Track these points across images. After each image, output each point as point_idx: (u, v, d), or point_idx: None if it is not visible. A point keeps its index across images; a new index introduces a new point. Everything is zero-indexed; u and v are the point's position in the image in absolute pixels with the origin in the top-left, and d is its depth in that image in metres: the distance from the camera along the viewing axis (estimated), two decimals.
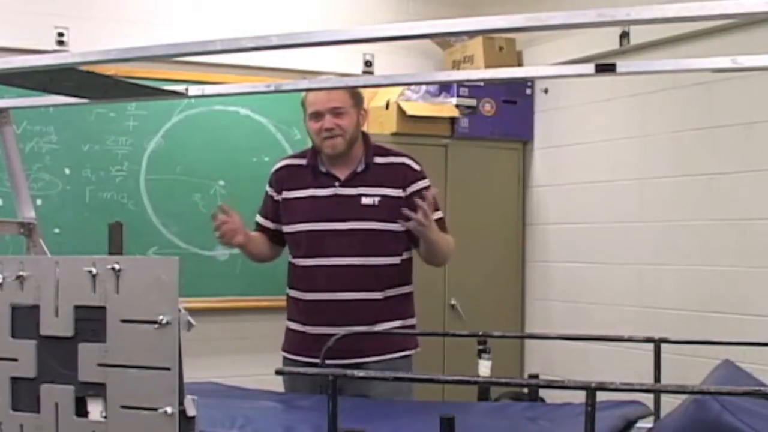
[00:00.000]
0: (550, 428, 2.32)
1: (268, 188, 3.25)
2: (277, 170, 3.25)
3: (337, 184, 3.11)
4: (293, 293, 3.16)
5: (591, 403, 1.58)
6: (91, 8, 4.40)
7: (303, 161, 3.20)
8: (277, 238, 3.24)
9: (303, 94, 3.21)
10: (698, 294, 3.95)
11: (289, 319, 3.19)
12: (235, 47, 1.78)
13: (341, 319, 2.99)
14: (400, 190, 3.11)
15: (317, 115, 3.10)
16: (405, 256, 3.17)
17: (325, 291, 3.07)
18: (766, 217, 3.69)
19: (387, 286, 3.11)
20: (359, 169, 3.13)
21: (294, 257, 3.17)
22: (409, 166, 3.17)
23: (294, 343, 3.15)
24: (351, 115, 3.12)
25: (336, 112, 3.09)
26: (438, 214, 3.13)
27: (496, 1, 4.62)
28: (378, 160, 3.15)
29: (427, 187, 3.12)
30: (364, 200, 3.09)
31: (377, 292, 3.08)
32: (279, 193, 3.19)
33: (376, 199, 3.10)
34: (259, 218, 3.28)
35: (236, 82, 3.94)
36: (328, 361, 2.74)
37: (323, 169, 3.14)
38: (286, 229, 3.17)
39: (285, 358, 3.16)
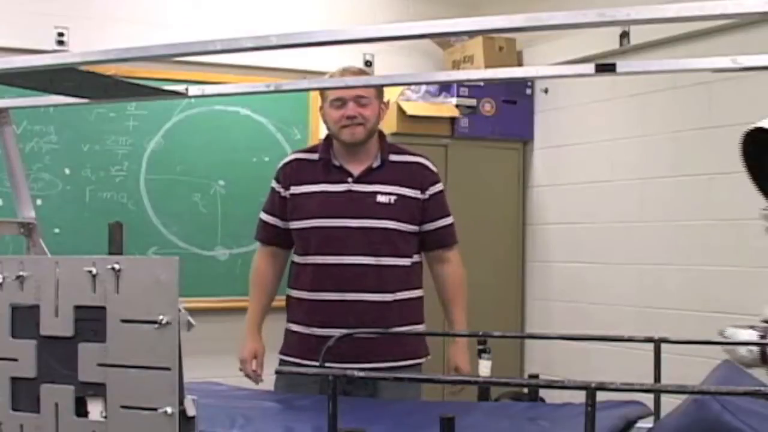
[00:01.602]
0: (551, 428, 2.32)
1: (274, 184, 3.12)
2: (286, 164, 3.12)
3: (350, 179, 3.02)
4: (297, 293, 3.06)
5: (591, 403, 1.58)
6: (91, 8, 4.40)
7: (313, 155, 3.09)
8: (282, 239, 3.12)
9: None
10: (698, 294, 3.95)
11: (291, 321, 3.09)
12: (235, 47, 1.78)
13: (349, 321, 2.89)
14: (419, 191, 3.04)
15: (340, 103, 2.99)
16: (415, 258, 3.09)
17: (334, 291, 2.97)
18: None
19: (397, 288, 3.02)
20: (374, 165, 3.03)
21: (302, 255, 3.06)
22: (426, 167, 3.10)
23: (296, 345, 3.04)
24: (374, 105, 3.02)
25: (360, 102, 2.99)
26: (449, 220, 3.12)
27: (496, 0, 4.61)
28: (393, 158, 3.07)
29: (441, 191, 3.11)
30: (380, 198, 3.00)
31: (387, 294, 2.99)
32: (287, 188, 3.07)
33: (392, 198, 3.01)
34: (265, 216, 3.14)
35: (236, 82, 3.95)
36: (333, 365, 2.67)
37: (336, 163, 3.03)
38: (295, 225, 3.05)
39: (283, 362, 3.05)
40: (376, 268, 2.98)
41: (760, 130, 2.76)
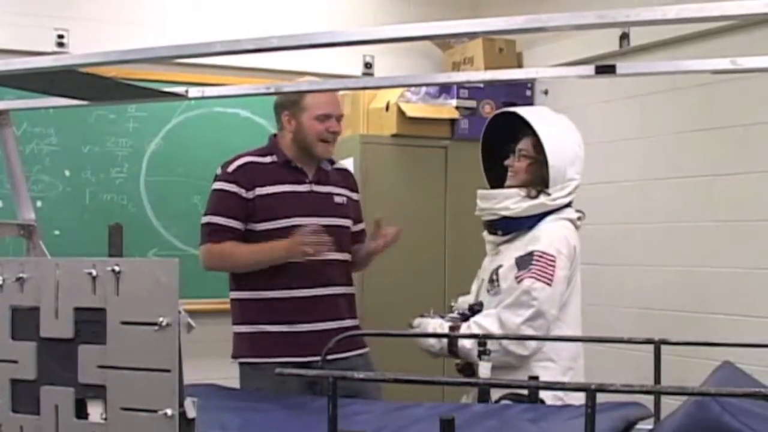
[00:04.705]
0: (550, 430, 2.32)
1: (228, 186, 3.11)
2: (240, 167, 3.13)
3: (307, 180, 3.18)
4: (274, 293, 3.08)
5: (591, 405, 1.58)
6: (91, 10, 4.40)
7: (264, 158, 3.17)
8: (236, 242, 3.12)
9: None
10: (698, 295, 3.95)
11: (265, 323, 3.09)
12: (235, 49, 1.79)
13: (331, 314, 3.11)
14: (355, 194, 3.33)
15: (326, 117, 3.14)
16: None
17: (320, 286, 3.10)
18: (766, 218, 3.69)
19: (351, 281, 3.27)
20: (326, 168, 3.24)
21: None
22: (352, 173, 3.41)
23: (277, 345, 3.06)
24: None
25: (340, 119, 3.21)
26: (361, 226, 3.37)
27: (496, 2, 4.61)
28: (327, 164, 3.27)
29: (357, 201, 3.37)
30: (336, 198, 3.22)
31: (351, 287, 3.24)
32: (250, 190, 3.09)
33: (344, 199, 3.25)
34: (221, 219, 3.10)
35: (236, 83, 3.95)
36: (314, 358, 2.73)
37: (294, 165, 3.17)
38: (266, 225, 3.08)
39: (257, 364, 3.06)
40: (344, 263, 3.20)
41: (506, 114, 3.17)
